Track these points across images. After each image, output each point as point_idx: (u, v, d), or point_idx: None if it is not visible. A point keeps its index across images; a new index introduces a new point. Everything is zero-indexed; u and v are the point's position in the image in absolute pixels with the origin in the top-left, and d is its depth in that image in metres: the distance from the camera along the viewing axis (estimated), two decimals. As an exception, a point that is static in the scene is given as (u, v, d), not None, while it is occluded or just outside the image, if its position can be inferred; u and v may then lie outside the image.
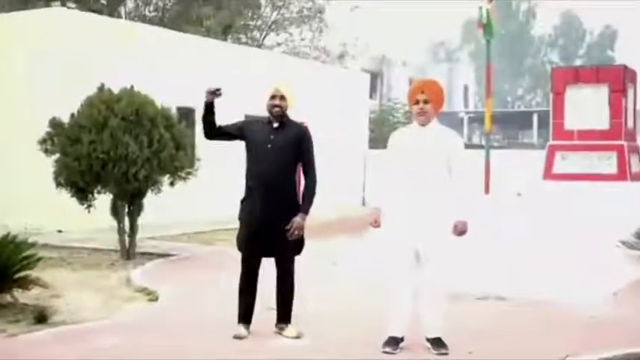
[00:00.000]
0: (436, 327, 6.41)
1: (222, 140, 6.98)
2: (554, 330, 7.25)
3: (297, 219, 6.58)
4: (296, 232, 6.58)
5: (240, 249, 6.79)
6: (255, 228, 6.61)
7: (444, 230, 6.28)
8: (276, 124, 6.72)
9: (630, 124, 16.48)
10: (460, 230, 6.26)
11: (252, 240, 6.65)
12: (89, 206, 11.55)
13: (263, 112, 6.86)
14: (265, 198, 6.56)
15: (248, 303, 6.81)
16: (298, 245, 6.77)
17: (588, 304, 8.37)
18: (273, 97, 6.70)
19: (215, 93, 6.72)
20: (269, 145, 6.62)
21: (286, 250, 6.71)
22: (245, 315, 6.81)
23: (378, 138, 28.04)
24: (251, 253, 6.72)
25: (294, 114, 6.88)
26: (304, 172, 6.79)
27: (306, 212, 6.67)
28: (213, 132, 6.86)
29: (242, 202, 6.79)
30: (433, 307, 6.38)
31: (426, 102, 6.38)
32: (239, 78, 18.13)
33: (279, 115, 6.69)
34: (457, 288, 7.86)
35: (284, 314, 6.88)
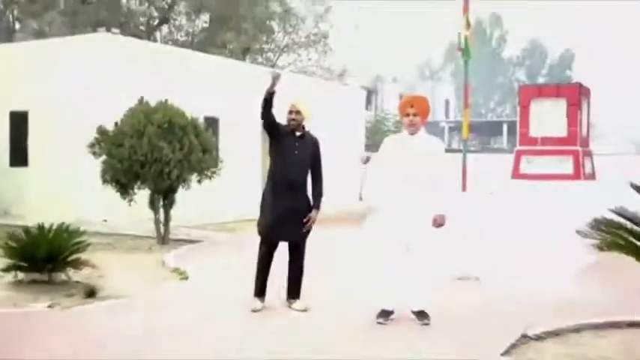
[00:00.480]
0: (420, 302, 6.45)
1: (268, 126, 6.73)
2: (520, 305, 7.26)
3: (313, 214, 6.75)
4: (311, 225, 6.76)
5: (261, 234, 6.81)
6: (278, 217, 6.67)
7: (428, 222, 6.30)
8: (298, 134, 6.80)
9: (584, 132, 16.48)
10: (438, 223, 6.28)
11: (275, 227, 6.70)
12: (130, 200, 11.59)
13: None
14: (288, 193, 6.68)
15: (264, 280, 6.85)
16: (307, 232, 6.86)
17: (550, 283, 8.39)
18: (290, 111, 6.78)
19: (278, 78, 6.60)
20: (296, 152, 6.73)
21: (301, 236, 6.80)
22: (261, 290, 6.85)
23: (373, 144, 28.05)
24: (272, 238, 6.76)
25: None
26: (314, 175, 6.90)
27: (319, 208, 6.83)
28: (270, 114, 6.68)
29: (266, 195, 6.81)
30: (418, 286, 6.42)
31: (415, 115, 6.41)
32: (255, 93, 18.11)
33: (295, 126, 6.76)
34: (439, 270, 7.88)
35: (294, 290, 6.92)
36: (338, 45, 35.66)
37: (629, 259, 5.45)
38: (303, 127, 6.85)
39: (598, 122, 50.24)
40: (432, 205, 6.28)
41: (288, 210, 6.66)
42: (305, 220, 6.70)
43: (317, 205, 6.81)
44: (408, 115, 6.42)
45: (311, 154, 6.83)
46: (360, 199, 25.24)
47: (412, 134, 6.46)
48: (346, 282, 8.51)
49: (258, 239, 6.94)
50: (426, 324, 6.34)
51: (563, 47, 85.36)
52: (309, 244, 6.97)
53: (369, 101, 42.51)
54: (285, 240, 6.82)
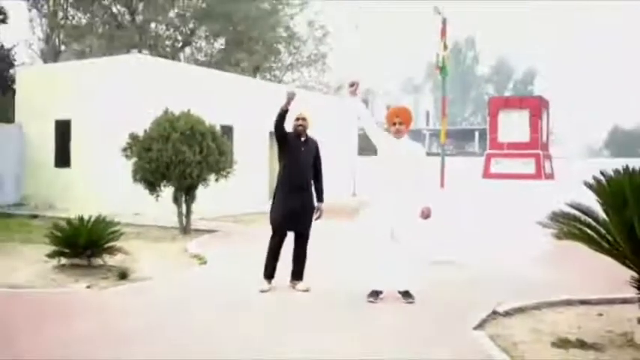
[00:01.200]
0: (405, 283, 6.42)
1: (280, 137, 6.75)
2: (489, 285, 7.24)
3: (321, 207, 6.84)
4: (321, 215, 6.83)
5: (274, 224, 6.78)
6: (289, 211, 6.67)
7: (412, 213, 6.30)
8: (303, 138, 6.80)
9: (544, 138, 16.47)
10: (426, 214, 6.27)
11: (285, 220, 6.70)
12: (157, 196, 11.55)
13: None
14: (296, 191, 6.69)
15: (273, 264, 6.83)
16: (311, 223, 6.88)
17: (515, 266, 8.38)
18: (297, 119, 6.81)
19: (293, 97, 6.59)
20: (302, 155, 6.74)
21: (307, 227, 6.83)
22: (270, 273, 6.82)
23: (364, 148, 28.01)
24: (283, 229, 6.76)
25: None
26: (316, 173, 6.90)
27: (323, 201, 6.88)
28: (283, 127, 6.69)
29: (277, 193, 6.80)
30: (403, 269, 6.39)
31: (400, 124, 6.40)
32: (264, 106, 18.12)
33: (302, 131, 6.79)
34: (420, 255, 7.87)
35: (298, 273, 6.90)
36: (335, 64, 35.65)
37: (582, 247, 5.42)
38: (306, 133, 6.85)
39: (558, 130, 50.25)
40: (416, 199, 6.28)
41: (297, 205, 6.69)
42: (317, 215, 6.77)
43: (321, 199, 6.86)
44: (394, 124, 6.42)
45: (314, 156, 6.87)
46: (354, 194, 25.26)
47: (398, 139, 6.44)
48: (342, 267, 8.48)
49: (263, 230, 6.93)
50: (411, 302, 6.32)
51: (526, 65, 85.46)
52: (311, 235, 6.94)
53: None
54: (293, 230, 6.81)
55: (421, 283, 6.68)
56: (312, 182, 6.86)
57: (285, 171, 6.76)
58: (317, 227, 7.04)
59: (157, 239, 11.15)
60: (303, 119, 6.81)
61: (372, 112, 52.55)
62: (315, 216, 6.79)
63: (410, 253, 6.41)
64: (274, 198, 6.83)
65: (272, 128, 6.75)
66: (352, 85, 6.55)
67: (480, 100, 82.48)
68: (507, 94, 78.46)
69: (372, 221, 6.45)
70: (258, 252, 7.12)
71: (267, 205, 6.98)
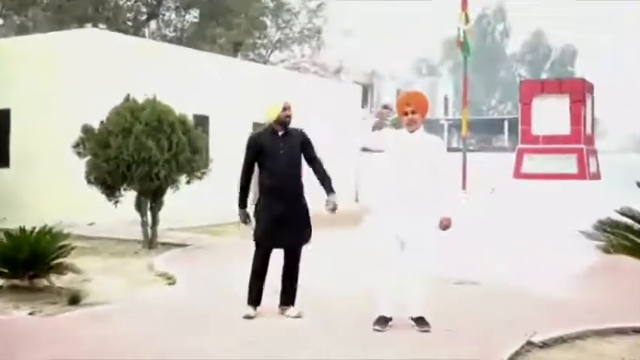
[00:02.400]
0: (419, 308, 6.40)
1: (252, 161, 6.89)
2: (521, 310, 7.23)
3: (333, 199, 6.77)
4: (335, 208, 6.78)
5: (258, 241, 6.75)
6: (277, 223, 6.64)
7: (427, 223, 6.27)
8: (281, 132, 6.78)
9: (589, 130, 16.47)
10: (445, 226, 6.26)
11: (271, 234, 6.66)
12: (116, 202, 11.54)
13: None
14: (283, 197, 6.66)
15: (259, 287, 6.80)
16: (308, 235, 6.84)
17: (553, 287, 8.37)
18: (284, 109, 6.80)
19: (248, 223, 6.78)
20: (281, 152, 6.72)
21: (299, 241, 6.78)
22: (256, 297, 6.80)
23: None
24: (269, 245, 6.73)
25: (297, 122, 6.94)
26: (312, 164, 6.89)
27: (334, 191, 6.82)
28: (248, 191, 6.90)
29: (258, 204, 6.78)
30: (416, 290, 6.38)
31: (413, 112, 6.38)
32: (247, 91, 18.12)
33: (289, 122, 6.80)
34: (438, 274, 7.85)
35: (289, 296, 6.87)
36: (333, 41, 35.66)
37: (635, 262, 5.41)
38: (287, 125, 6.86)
39: (602, 119, 50.35)
40: (432, 205, 6.25)
41: (284, 215, 6.64)
42: (330, 207, 6.73)
43: (331, 189, 6.81)
44: (406, 113, 6.39)
45: (300, 148, 6.84)
46: (357, 200, 25.26)
47: (411, 132, 6.42)
48: (342, 287, 8.46)
49: (246, 243, 6.90)
50: (427, 331, 6.29)
51: (565, 43, 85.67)
52: (305, 247, 6.92)
53: (364, 98, 42.49)
54: (281, 247, 6.78)
55: (439, 308, 6.66)
56: (312, 171, 6.84)
57: (265, 174, 6.76)
58: (316, 236, 7.02)
59: (115, 255, 11.12)
60: (289, 108, 6.84)
61: (377, 98, 52.61)
62: (328, 207, 6.76)
63: (425, 272, 6.39)
64: (256, 206, 6.81)
65: (255, 118, 6.76)
66: (386, 107, 6.59)
67: (510, 84, 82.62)
68: (544, 76, 78.68)
69: (379, 232, 6.43)
70: (240, 270, 7.10)
71: (250, 213, 6.95)
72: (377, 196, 6.56)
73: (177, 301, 7.66)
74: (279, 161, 6.70)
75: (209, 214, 16.13)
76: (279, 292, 6.92)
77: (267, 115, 6.83)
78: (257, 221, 6.78)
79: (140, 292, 8.20)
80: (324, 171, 6.90)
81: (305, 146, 6.87)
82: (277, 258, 6.85)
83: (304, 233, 6.80)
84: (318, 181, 6.87)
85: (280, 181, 6.68)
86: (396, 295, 6.39)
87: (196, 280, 8.71)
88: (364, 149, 23.48)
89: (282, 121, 6.79)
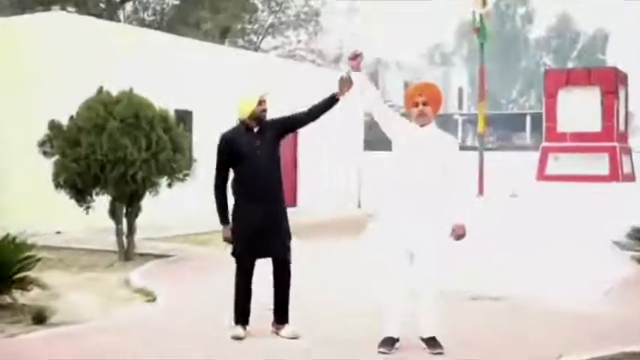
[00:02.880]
0: (430, 327, 6.40)
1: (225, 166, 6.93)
2: (547, 329, 7.23)
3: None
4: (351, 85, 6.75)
5: (238, 254, 6.75)
6: (258, 231, 6.64)
7: (438, 231, 6.26)
8: (256, 129, 6.80)
9: (622, 126, 16.49)
10: (459, 234, 6.25)
11: (254, 243, 6.66)
12: (88, 208, 11.51)
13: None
14: (264, 201, 6.66)
15: (245, 304, 6.80)
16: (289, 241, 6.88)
17: (582, 303, 8.37)
18: (260, 102, 6.79)
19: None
20: (258, 152, 6.72)
21: (285, 250, 6.78)
22: (242, 315, 6.79)
23: (373, 140, 28.03)
24: (252, 256, 6.72)
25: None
26: (296, 118, 7.02)
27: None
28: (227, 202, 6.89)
29: (236, 208, 6.77)
30: (427, 307, 6.37)
31: (425, 104, 6.38)
32: (235, 82, 18.11)
33: (265, 117, 6.82)
34: (451, 288, 7.85)
35: (282, 313, 6.87)
36: (332, 25, 35.64)
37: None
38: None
39: (636, 113, 50.37)
40: (444, 210, 6.25)
41: (264, 222, 6.65)
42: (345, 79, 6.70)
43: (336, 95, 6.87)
44: (416, 104, 6.39)
45: (277, 142, 6.86)
46: (359, 206, 25.27)
47: (422, 126, 6.42)
48: (343, 303, 8.45)
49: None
50: (439, 353, 6.29)
51: (595, 26, 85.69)
52: (301, 260, 6.92)
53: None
54: (266, 256, 6.79)
55: (453, 327, 6.65)
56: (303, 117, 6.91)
57: (240, 178, 6.76)
58: (309, 250, 7.02)
59: (87, 267, 11.10)
60: (265, 102, 6.83)
61: (382, 91, 52.69)
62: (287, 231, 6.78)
63: (437, 285, 6.39)
64: (232, 218, 6.80)
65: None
66: (354, 57, 6.58)
67: (532, 74, 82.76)
68: (571, 65, 78.78)
69: (385, 241, 6.43)
70: (229, 284, 7.09)
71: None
72: (382, 200, 6.55)
73: (158, 320, 7.64)
74: (256, 162, 6.69)
75: (193, 221, 16.11)
76: (270, 308, 6.92)
77: (241, 112, 6.82)
78: (234, 231, 6.76)
79: (115, 310, 8.17)
80: (317, 105, 6.99)
81: (283, 128, 6.92)
82: (264, 269, 6.85)
83: (288, 239, 6.82)
84: (315, 109, 7.01)
85: (259, 185, 6.67)
86: (404, 312, 6.38)
87: (179, 297, 8.70)
88: (367, 148, 23.30)
89: (258, 117, 6.78)
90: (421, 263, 6.28)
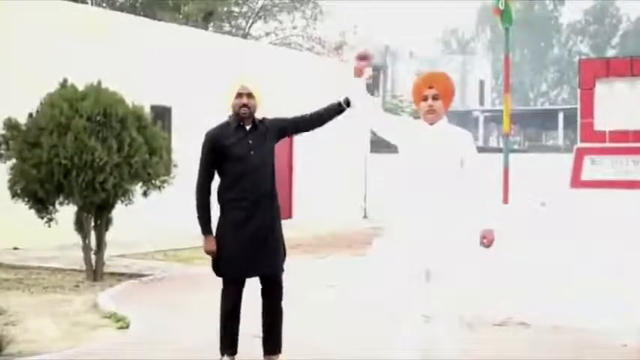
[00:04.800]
0: (450, 351, 6.42)
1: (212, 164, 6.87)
2: (583, 360, 7.26)
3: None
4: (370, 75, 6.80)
5: (224, 272, 6.73)
6: (248, 246, 6.59)
7: (457, 245, 6.27)
8: (249, 126, 6.74)
9: (671, 123, 16.50)
10: (490, 241, 6.25)
11: (243, 260, 6.63)
12: (50, 220, 11.52)
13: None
14: (255, 210, 6.61)
15: (233, 330, 6.78)
16: (284, 257, 6.86)
17: (621, 332, 8.38)
18: (239, 95, 6.68)
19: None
20: (252, 152, 6.66)
21: (278, 267, 6.77)
22: (230, 344, 6.79)
23: (381, 141, 28.06)
24: (239, 273, 6.70)
25: (285, 113, 6.95)
26: (298, 121, 6.99)
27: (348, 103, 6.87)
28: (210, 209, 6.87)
29: (223, 218, 6.75)
30: (445, 333, 6.39)
31: (435, 98, 6.36)
32: (221, 73, 18.15)
33: (246, 116, 6.69)
34: (472, 312, 7.87)
35: (273, 341, 6.86)
36: (333, 7, 35.68)
37: None
38: (254, 117, 6.80)
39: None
40: (461, 220, 6.25)
41: (256, 235, 6.62)
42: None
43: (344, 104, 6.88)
44: (425, 98, 6.40)
45: (273, 142, 6.83)
46: (365, 216, 25.32)
47: (431, 124, 6.44)
48: (346, 327, 8.48)
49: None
50: (457, 386, 6.31)
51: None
52: (297, 280, 6.94)
53: (375, 83, 42.58)
54: (256, 274, 6.77)
55: (474, 357, 6.68)
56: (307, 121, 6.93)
57: (228, 182, 6.71)
58: (308, 268, 7.04)
59: (49, 289, 11.11)
60: (249, 95, 6.68)
61: (392, 82, 52.76)
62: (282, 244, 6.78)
63: (457, 309, 6.41)
64: (218, 229, 6.77)
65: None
66: (363, 57, 6.56)
67: (566, 64, 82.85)
68: (611, 53, 78.84)
69: (395, 255, 6.45)
70: (213, 308, 7.11)
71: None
72: (392, 210, 6.56)
73: (131, 350, 7.64)
74: (248, 165, 6.63)
75: (173, 235, 16.15)
76: (260, 336, 6.93)
77: (228, 103, 6.82)
78: (220, 245, 6.72)
79: (81, 338, 8.17)
80: (323, 109, 7.00)
81: (281, 130, 6.90)
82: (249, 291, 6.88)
83: (282, 257, 6.80)
84: (321, 114, 7.02)
85: (250, 191, 6.62)
86: (417, 339, 6.40)
87: (156, 323, 8.71)
88: (374, 150, 23.48)
89: (237, 113, 6.72)
90: (439, 283, 6.29)
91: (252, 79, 6.80)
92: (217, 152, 6.72)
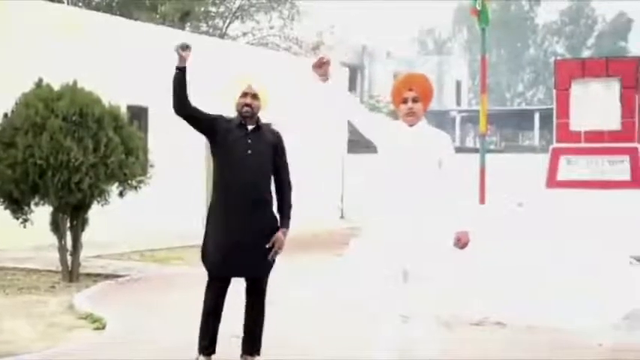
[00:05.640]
0: (427, 356, 6.43)
1: (189, 122, 6.72)
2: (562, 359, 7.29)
3: (280, 236, 6.66)
4: (279, 251, 6.65)
5: (211, 269, 6.73)
6: (234, 243, 6.55)
7: (435, 246, 6.28)
8: (251, 127, 6.72)
9: (645, 124, 16.56)
10: (464, 243, 6.27)
11: (228, 258, 6.59)
12: (25, 220, 11.47)
13: (227, 112, 6.85)
14: (245, 210, 6.57)
15: (213, 330, 6.75)
16: (273, 260, 6.79)
17: (597, 331, 8.43)
18: (244, 94, 6.67)
19: (185, 49, 6.61)
20: (249, 151, 6.62)
21: (264, 270, 6.74)
22: (209, 344, 6.76)
23: (359, 141, 28.08)
24: (228, 272, 6.68)
25: (263, 112, 6.92)
26: (280, 181, 6.83)
27: (288, 227, 6.75)
28: (185, 106, 6.65)
29: (212, 213, 6.73)
30: (423, 333, 6.39)
31: (415, 100, 6.37)
32: (198, 73, 18.09)
33: (249, 116, 6.67)
34: (449, 312, 7.88)
35: (253, 343, 6.85)
36: (310, 8, 35.70)
37: None
38: (258, 118, 6.78)
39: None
40: (439, 221, 6.27)
41: (245, 233, 6.56)
42: (269, 245, 6.61)
43: (286, 223, 6.76)
44: (405, 101, 6.41)
45: (272, 153, 6.75)
46: (342, 216, 25.33)
47: (411, 125, 6.44)
48: (323, 328, 8.49)
49: (197, 273, 6.89)
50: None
51: (616, 10, 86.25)
52: (274, 280, 6.92)
53: (352, 83, 42.62)
54: (241, 275, 6.74)
55: (451, 357, 6.69)
56: (274, 194, 6.81)
57: (222, 178, 6.68)
58: (285, 268, 7.03)
59: (25, 290, 11.06)
60: (253, 96, 6.68)
61: (369, 82, 52.82)
62: (272, 247, 6.65)
63: (434, 309, 6.41)
64: (208, 222, 6.77)
65: (209, 109, 6.71)
66: (320, 64, 6.51)
67: (542, 65, 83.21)
68: (586, 54, 79.23)
69: (373, 256, 6.45)
70: (191, 308, 7.10)
71: (201, 232, 6.94)
72: (370, 210, 6.56)
73: (107, 351, 7.62)
74: (244, 162, 6.60)
75: (149, 235, 16.11)
76: (239, 336, 6.92)
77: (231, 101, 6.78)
78: (208, 239, 6.70)
79: (57, 339, 8.14)
80: (290, 199, 6.87)
81: (277, 151, 6.81)
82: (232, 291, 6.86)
83: (267, 256, 6.70)
84: (277, 206, 6.79)
85: (243, 188, 6.58)
86: (396, 339, 6.40)
87: (133, 324, 8.67)
88: (351, 151, 23.41)
89: (240, 113, 6.72)
90: (417, 283, 6.30)
91: (259, 81, 6.78)
92: (217, 128, 6.67)
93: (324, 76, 6.50)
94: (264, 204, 6.71)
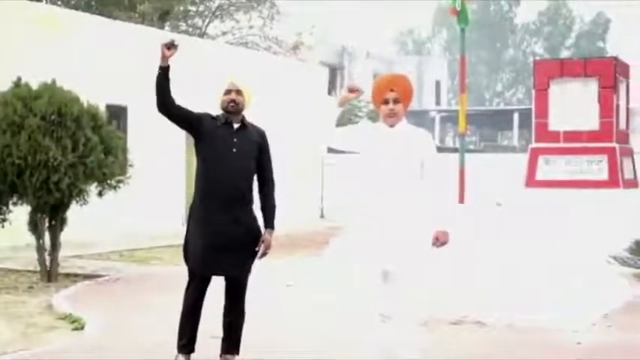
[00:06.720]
0: (407, 355, 6.43)
1: (174, 120, 6.78)
2: (540, 357, 7.30)
3: (267, 237, 6.69)
4: (267, 252, 6.69)
5: (192, 266, 6.71)
6: (216, 241, 6.54)
7: (416, 246, 6.28)
8: (236, 125, 6.72)
9: (622, 124, 16.66)
10: (442, 242, 6.27)
11: (208, 256, 6.57)
12: (3, 220, 11.43)
13: (208, 111, 6.85)
14: (228, 208, 6.57)
15: (193, 329, 6.73)
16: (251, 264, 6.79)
17: (575, 329, 8.46)
18: (228, 91, 6.70)
19: (171, 47, 6.60)
20: (234, 150, 6.62)
21: (244, 269, 6.73)
22: (188, 343, 6.74)
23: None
24: (208, 270, 6.66)
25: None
26: (263, 180, 6.85)
27: (273, 227, 6.78)
28: (169, 105, 6.72)
29: (193, 210, 6.72)
30: (404, 332, 6.39)
31: (396, 101, 6.38)
32: (178, 72, 18.05)
33: (234, 111, 6.68)
34: (428, 312, 7.89)
35: (232, 342, 6.84)
36: (290, 7, 35.71)
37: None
38: (243, 117, 6.78)
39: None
40: (420, 221, 6.27)
41: (227, 232, 6.56)
42: (261, 251, 6.65)
43: (271, 224, 6.78)
44: (386, 102, 6.41)
45: (256, 153, 6.77)
46: (322, 215, 25.34)
47: (392, 126, 6.45)
48: (303, 330, 8.48)
49: (177, 272, 6.87)
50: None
51: (595, 10, 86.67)
52: (253, 280, 6.91)
53: (332, 83, 42.63)
54: (222, 274, 6.73)
55: (431, 356, 6.70)
56: (258, 194, 6.81)
57: (205, 175, 6.67)
58: (265, 268, 7.02)
59: (3, 290, 11.01)
60: (238, 92, 6.71)
61: (347, 81, 52.75)
62: (259, 250, 6.69)
63: (414, 309, 6.42)
64: (189, 220, 6.76)
65: (191, 108, 6.70)
66: (353, 90, 6.53)
67: (521, 65, 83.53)
68: (565, 54, 79.61)
69: (353, 256, 6.45)
70: (171, 308, 7.08)
71: (181, 233, 6.92)
72: (350, 209, 6.56)
73: (86, 352, 7.60)
74: (229, 160, 6.60)
75: (128, 235, 16.06)
76: (217, 337, 6.90)
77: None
78: (190, 237, 6.69)
79: (36, 339, 8.11)
80: (274, 199, 6.88)
81: (262, 155, 6.82)
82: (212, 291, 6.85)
83: (249, 256, 6.72)
84: (260, 206, 6.81)
85: (227, 187, 6.59)
86: (376, 339, 6.40)
87: (112, 324, 8.64)
88: (330, 150, 23.44)
89: (225, 110, 6.73)
90: (397, 283, 6.30)
91: (241, 78, 6.81)
92: (202, 125, 6.69)
93: (343, 105, 6.55)
94: (246, 203, 6.72)
